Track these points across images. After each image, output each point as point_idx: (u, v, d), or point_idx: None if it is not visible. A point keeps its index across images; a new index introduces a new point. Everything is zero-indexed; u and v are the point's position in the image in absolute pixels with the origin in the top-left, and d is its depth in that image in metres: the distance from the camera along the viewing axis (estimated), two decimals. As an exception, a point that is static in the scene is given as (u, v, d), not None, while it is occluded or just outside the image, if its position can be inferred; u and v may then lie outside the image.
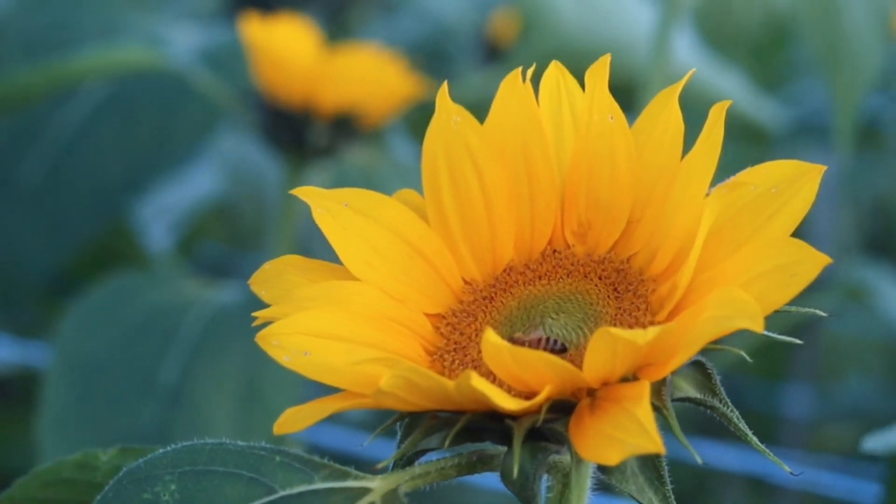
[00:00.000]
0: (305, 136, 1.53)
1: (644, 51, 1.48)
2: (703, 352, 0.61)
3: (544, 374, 0.56)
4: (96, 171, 1.68)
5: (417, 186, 0.71)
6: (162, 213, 1.98)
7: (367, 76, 1.52)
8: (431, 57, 2.14)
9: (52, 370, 1.38)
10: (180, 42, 1.71)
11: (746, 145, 1.97)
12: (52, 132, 1.69)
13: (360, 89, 1.53)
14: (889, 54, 1.69)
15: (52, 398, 1.37)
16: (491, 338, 0.55)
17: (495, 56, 2.26)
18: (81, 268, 1.77)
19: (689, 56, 1.71)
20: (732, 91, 1.74)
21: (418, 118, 1.80)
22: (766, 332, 0.60)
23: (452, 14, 2.45)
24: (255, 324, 0.63)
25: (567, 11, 1.63)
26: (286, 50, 1.51)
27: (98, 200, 1.67)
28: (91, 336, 1.40)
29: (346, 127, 1.55)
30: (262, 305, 0.66)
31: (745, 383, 2.14)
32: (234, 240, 2.18)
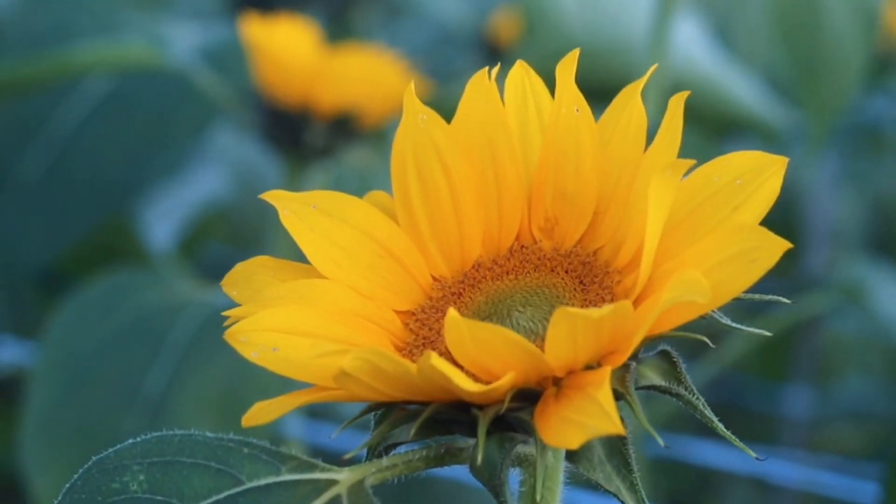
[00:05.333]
0: (304, 137, 1.53)
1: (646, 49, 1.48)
2: (672, 341, 0.61)
3: (505, 355, 0.56)
4: (95, 167, 1.68)
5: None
6: (167, 214, 1.98)
7: (366, 76, 1.52)
8: (432, 58, 2.14)
9: (39, 368, 1.37)
10: (181, 41, 1.72)
11: (761, 145, 1.96)
12: (52, 128, 1.69)
13: (359, 89, 1.53)
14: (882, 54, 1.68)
15: (37, 398, 1.35)
16: (452, 314, 0.55)
17: (495, 56, 2.26)
18: (82, 268, 1.77)
19: (695, 52, 1.69)
20: (739, 89, 1.72)
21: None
22: (716, 315, 0.61)
23: (454, 15, 2.45)
24: (226, 323, 0.63)
25: (569, 11, 1.63)
26: (285, 50, 1.51)
27: (97, 195, 1.67)
28: (80, 335, 1.39)
29: (344, 127, 1.55)
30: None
31: (746, 383, 2.13)
32: (238, 241, 2.18)
